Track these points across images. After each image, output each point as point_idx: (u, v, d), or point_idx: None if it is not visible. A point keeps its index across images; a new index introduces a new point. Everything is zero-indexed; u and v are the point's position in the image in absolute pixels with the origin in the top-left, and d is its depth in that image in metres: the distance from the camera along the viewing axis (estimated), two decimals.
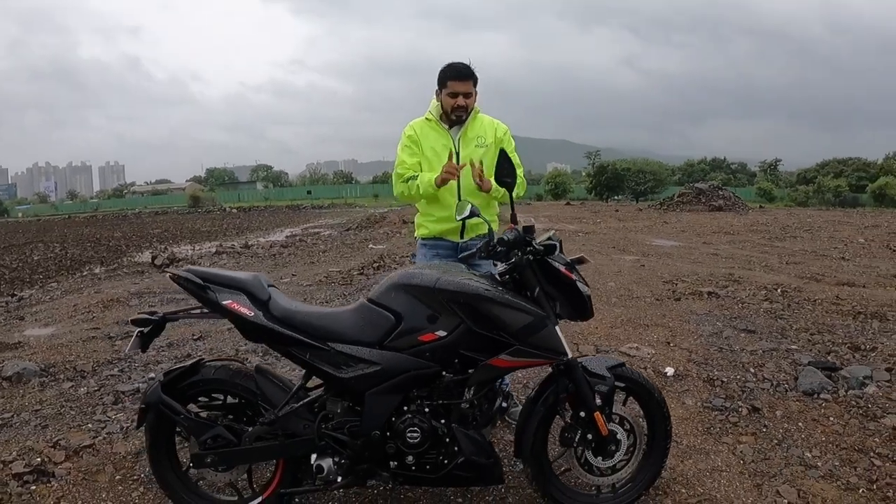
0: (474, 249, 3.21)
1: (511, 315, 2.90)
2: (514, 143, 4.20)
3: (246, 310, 2.90)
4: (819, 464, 3.78)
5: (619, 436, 3.16)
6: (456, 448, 2.94)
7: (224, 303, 2.90)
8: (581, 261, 3.11)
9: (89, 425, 4.36)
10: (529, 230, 3.07)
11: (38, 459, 3.75)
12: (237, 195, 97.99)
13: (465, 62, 3.96)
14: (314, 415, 3.04)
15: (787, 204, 54.95)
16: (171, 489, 3.19)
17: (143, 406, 3.07)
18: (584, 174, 62.85)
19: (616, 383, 3.11)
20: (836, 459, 3.82)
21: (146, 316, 3.00)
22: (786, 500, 3.36)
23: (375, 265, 11.74)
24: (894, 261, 12.29)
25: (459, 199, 3.93)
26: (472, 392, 2.96)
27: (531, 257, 3.00)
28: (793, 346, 5.90)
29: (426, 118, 4.13)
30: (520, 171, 3.94)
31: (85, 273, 15.79)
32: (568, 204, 41.88)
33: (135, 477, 3.68)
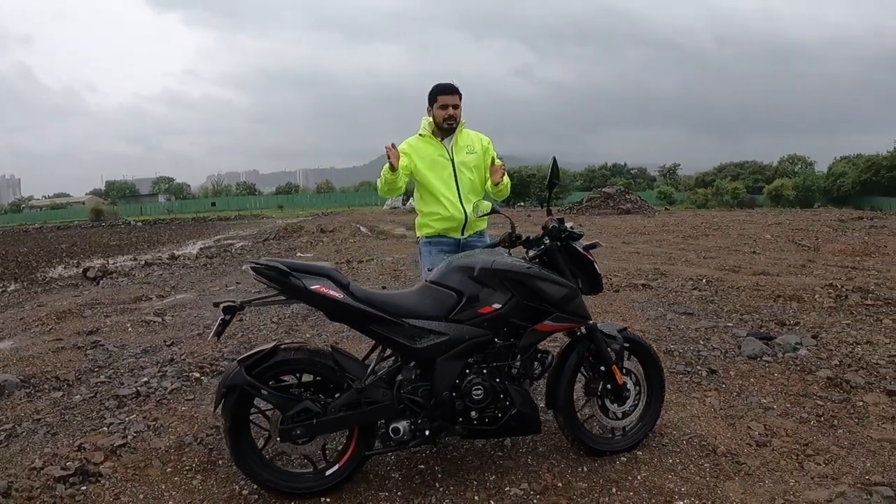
0: (497, 240, 4.02)
1: (552, 288, 3.68)
2: (494, 152, 5.09)
3: (335, 293, 3.38)
4: (774, 406, 4.77)
5: (628, 385, 4.04)
6: (508, 402, 3.66)
7: (312, 287, 3.35)
8: (595, 245, 4.00)
9: (104, 428, 4.59)
10: (562, 222, 3.88)
11: (75, 463, 3.98)
12: (140, 208, 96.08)
13: (450, 82, 4.84)
14: (391, 383, 3.60)
15: (687, 206, 57.94)
16: (251, 468, 3.54)
17: (224, 389, 3.43)
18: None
19: (623, 343, 3.99)
20: (787, 402, 4.83)
21: (230, 302, 3.40)
22: (756, 432, 4.30)
23: None
24: (800, 253, 13.71)
25: (460, 197, 4.83)
26: (521, 354, 3.70)
27: (558, 243, 3.80)
28: (729, 324, 6.96)
29: (420, 135, 4.94)
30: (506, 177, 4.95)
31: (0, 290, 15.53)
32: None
33: (187, 467, 4.02)
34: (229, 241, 26.78)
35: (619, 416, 4.05)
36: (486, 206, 4.08)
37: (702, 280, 9.63)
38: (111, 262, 20.24)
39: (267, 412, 3.65)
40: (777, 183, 68.32)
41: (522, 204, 52.53)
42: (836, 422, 4.48)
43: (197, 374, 5.85)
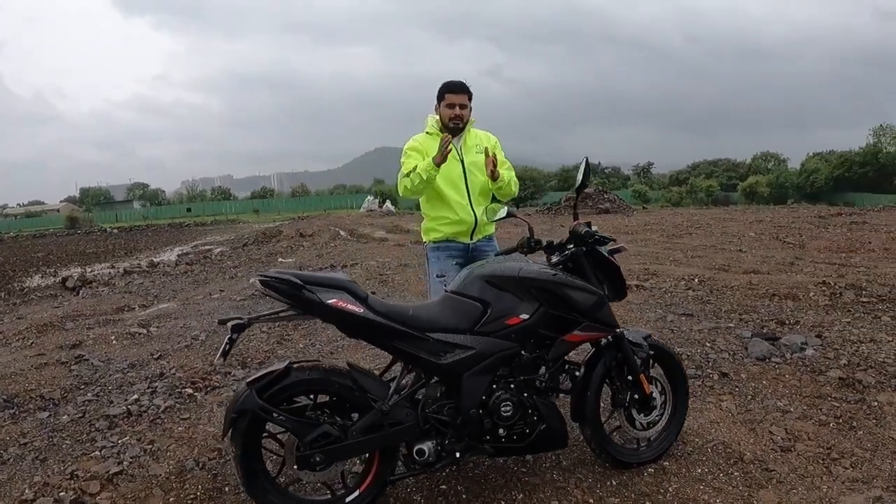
0: (515, 245, 3.83)
1: (582, 296, 3.54)
2: (503, 151, 4.90)
3: (354, 307, 3.17)
4: (792, 409, 4.68)
5: (654, 394, 3.91)
6: (537, 417, 3.51)
7: (329, 302, 3.13)
8: (619, 249, 3.87)
9: (97, 453, 4.34)
10: (591, 226, 3.76)
11: (69, 493, 3.74)
12: (115, 215, 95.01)
13: (460, 79, 4.65)
14: (415, 402, 3.41)
15: (662, 205, 58.30)
16: (265, 497, 3.27)
17: (235, 415, 3.16)
18: None
19: (649, 350, 3.89)
20: (804, 405, 4.75)
21: (237, 319, 3.17)
22: (779, 437, 4.22)
23: None
24: (786, 251, 13.75)
25: (470, 200, 4.66)
26: (549, 366, 3.57)
27: (584, 248, 3.67)
28: (730, 325, 6.88)
29: (427, 132, 4.74)
30: (511, 174, 4.78)
31: None
32: None
33: (192, 496, 3.77)
34: (207, 247, 26.41)
35: (646, 426, 3.92)
36: (500, 209, 3.94)
37: (694, 279, 9.57)
38: (89, 270, 19.88)
39: (279, 436, 3.42)
40: (751, 180, 69.09)
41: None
42: (854, 423, 4.42)
43: (190, 391, 5.62)
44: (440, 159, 4.35)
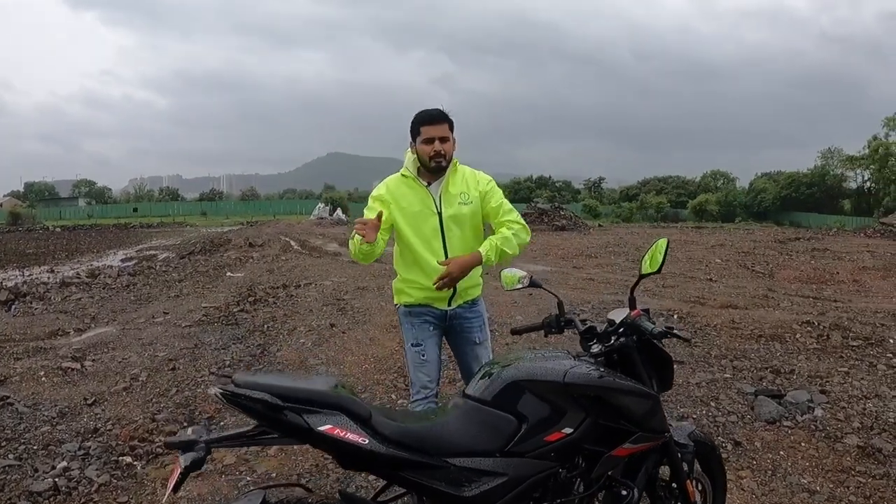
0: (534, 324, 3.24)
1: (636, 402, 2.88)
2: (500, 191, 3.99)
3: (356, 436, 2.42)
4: (818, 488, 4.24)
5: (697, 498, 3.27)
6: None
7: (321, 429, 2.38)
8: (680, 337, 3.07)
9: None
10: (648, 314, 3.09)
11: None
12: (59, 212, 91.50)
13: (438, 108, 3.78)
14: None
15: (613, 220, 58.64)
16: None
17: None
18: None
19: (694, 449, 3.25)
20: (829, 482, 4.32)
21: (190, 450, 2.32)
22: None
23: (250, 299, 11.33)
24: (756, 280, 13.57)
25: (447, 258, 3.76)
26: (592, 486, 2.87)
27: (635, 338, 2.99)
28: (727, 376, 6.43)
29: (402, 174, 3.89)
30: (515, 216, 3.93)
31: None
32: None
33: None
34: (152, 252, 25.46)
35: None
36: (519, 277, 3.28)
37: (672, 315, 9.13)
38: (26, 273, 18.79)
39: None
40: (701, 198, 70.18)
41: None
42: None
43: (128, 459, 4.84)
44: (367, 237, 3.47)
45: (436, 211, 3.82)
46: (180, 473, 2.29)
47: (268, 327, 9.03)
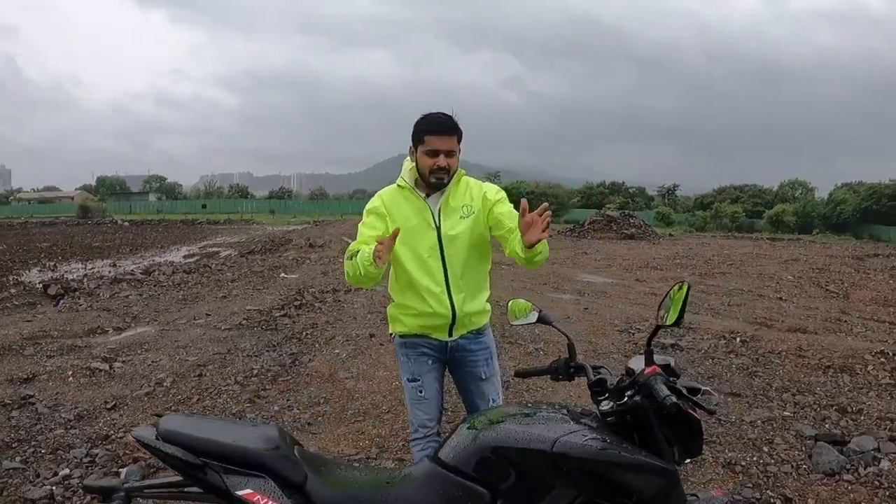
0: (541, 367, 2.74)
1: (644, 480, 2.31)
2: (510, 205, 3.42)
3: None
4: None
5: None
6: None
7: (240, 493, 2.12)
8: (704, 394, 2.55)
9: None
10: (675, 373, 2.50)
11: None
12: (129, 206, 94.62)
13: (446, 113, 3.28)
14: None
15: (686, 229, 57.20)
16: None
17: None
18: None
19: None
20: None
21: (107, 489, 2.16)
22: None
23: (296, 302, 11.09)
24: (830, 301, 12.71)
25: (447, 285, 3.31)
26: None
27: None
28: (787, 413, 5.81)
29: (398, 185, 3.41)
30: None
31: None
32: None
33: None
34: (215, 249, 25.72)
35: None
36: (528, 312, 2.82)
37: (735, 338, 8.51)
38: (88, 266, 19.13)
39: None
40: (778, 208, 67.84)
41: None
42: None
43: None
44: (382, 259, 2.96)
45: (434, 225, 3.33)
46: None
47: (306, 334, 8.74)
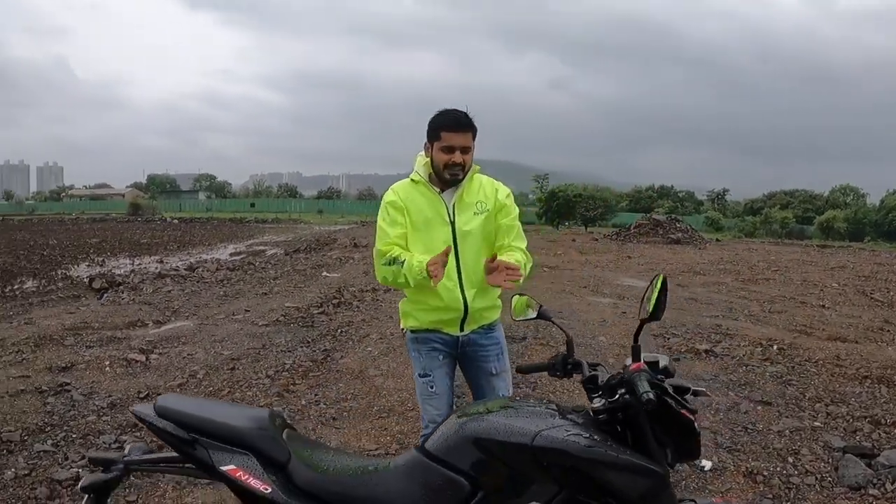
0: (540, 363, 2.73)
1: (629, 480, 2.25)
2: (517, 210, 3.54)
3: (257, 481, 2.20)
4: None
5: None
6: None
7: (224, 468, 2.23)
8: (697, 394, 2.47)
9: None
10: (662, 371, 2.44)
11: None
12: (179, 204, 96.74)
13: (462, 110, 3.35)
14: None
15: (735, 235, 56.27)
16: None
17: None
18: (532, 198, 63.38)
19: None
20: None
21: (106, 461, 2.32)
22: None
23: (335, 301, 11.18)
24: (874, 310, 12.34)
25: (460, 280, 3.34)
26: None
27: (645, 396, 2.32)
28: (817, 424, 5.65)
29: (412, 179, 3.46)
30: (524, 245, 3.46)
31: (15, 287, 15.15)
32: None
33: None
34: (261, 247, 26.05)
35: None
36: (529, 307, 2.85)
37: (772, 346, 8.30)
38: (136, 262, 19.54)
39: None
40: (829, 214, 66.39)
41: (567, 224, 50.76)
42: None
43: None
44: (438, 278, 3.06)
45: (448, 220, 3.38)
46: (87, 496, 2.29)
47: (341, 332, 8.80)
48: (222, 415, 2.37)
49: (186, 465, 2.36)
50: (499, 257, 3.21)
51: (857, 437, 5.35)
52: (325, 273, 15.57)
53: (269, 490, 2.19)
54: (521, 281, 3.06)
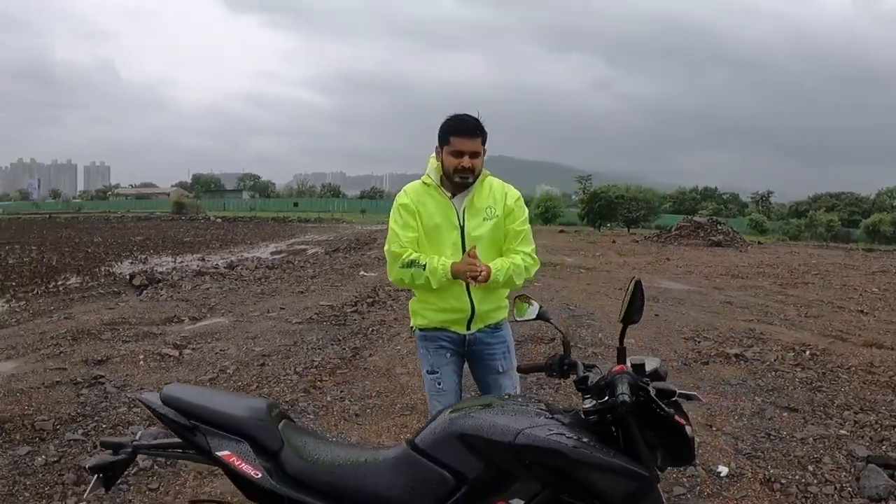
0: (538, 363, 2.73)
1: (612, 482, 2.25)
2: (526, 213, 3.59)
3: (249, 467, 2.30)
4: None
5: None
6: None
7: (219, 454, 2.34)
8: (690, 398, 2.43)
9: None
10: (651, 374, 2.44)
11: None
12: (223, 203, 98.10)
13: (472, 115, 3.40)
14: None
15: (779, 237, 55.27)
16: None
17: None
18: (575, 199, 63.00)
19: None
20: None
21: (116, 444, 2.44)
22: None
23: (369, 300, 11.24)
24: None
25: (467, 284, 3.35)
26: None
27: (632, 398, 2.31)
28: (843, 432, 5.52)
29: (423, 182, 3.51)
30: (531, 249, 3.50)
31: (59, 283, 15.47)
32: (561, 231, 41.69)
33: None
34: (302, 246, 26.30)
35: None
36: (529, 307, 2.89)
37: (804, 351, 8.13)
38: (178, 260, 19.87)
39: None
40: (875, 217, 64.77)
41: (609, 225, 50.40)
42: None
43: None
44: (462, 276, 3.22)
45: (458, 225, 3.45)
46: (94, 484, 2.39)
47: (372, 331, 8.87)
48: (221, 404, 2.49)
49: (189, 451, 2.48)
50: (498, 259, 3.36)
51: (884, 447, 5.22)
52: (362, 272, 15.67)
53: (260, 475, 2.29)
54: (489, 282, 3.23)
